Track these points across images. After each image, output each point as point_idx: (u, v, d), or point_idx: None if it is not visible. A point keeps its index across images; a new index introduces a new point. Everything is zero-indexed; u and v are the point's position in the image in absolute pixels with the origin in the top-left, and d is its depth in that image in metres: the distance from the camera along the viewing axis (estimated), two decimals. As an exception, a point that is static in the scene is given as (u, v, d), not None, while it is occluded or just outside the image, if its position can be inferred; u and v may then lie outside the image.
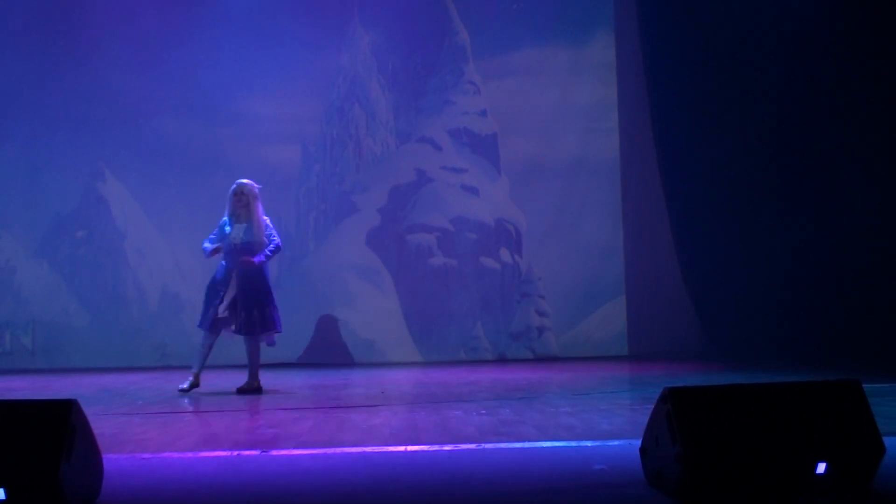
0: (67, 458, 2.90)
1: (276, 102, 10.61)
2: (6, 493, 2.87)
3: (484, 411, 5.52)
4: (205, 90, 10.49)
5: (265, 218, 7.12)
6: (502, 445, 4.23)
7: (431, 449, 4.17)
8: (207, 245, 7.02)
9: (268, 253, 7.04)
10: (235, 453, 4.10)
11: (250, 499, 3.31)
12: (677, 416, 3.09)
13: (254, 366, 7.09)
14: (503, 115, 10.95)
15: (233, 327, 7.04)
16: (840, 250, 9.37)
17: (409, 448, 4.19)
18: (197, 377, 6.97)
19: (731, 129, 10.18)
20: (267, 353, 10.08)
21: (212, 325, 6.94)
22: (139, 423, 5.28)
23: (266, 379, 8.25)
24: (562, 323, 10.73)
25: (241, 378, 7.11)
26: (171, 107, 10.49)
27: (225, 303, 6.95)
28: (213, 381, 7.55)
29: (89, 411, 3.20)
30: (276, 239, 7.12)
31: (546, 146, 10.83)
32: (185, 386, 6.89)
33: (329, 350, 10.46)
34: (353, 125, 10.88)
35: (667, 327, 10.44)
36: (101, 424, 4.87)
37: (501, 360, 10.48)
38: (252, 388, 7.02)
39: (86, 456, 3.06)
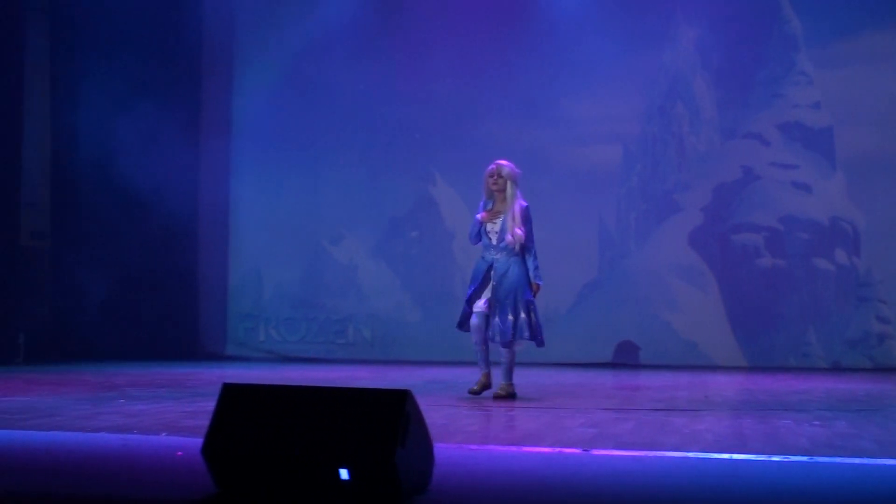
0: (402, 444, 3.09)
1: (598, 103, 10.63)
2: (349, 473, 3.11)
3: (817, 422, 5.21)
4: (528, 93, 10.73)
5: (523, 203, 6.49)
6: (837, 460, 3.98)
7: (759, 459, 4.01)
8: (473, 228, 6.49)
9: (537, 276, 6.44)
10: (557, 450, 4.17)
11: (571, 496, 3.35)
12: None
13: (511, 369, 6.48)
14: (839, 107, 10.23)
15: (489, 332, 6.41)
16: None
17: (735, 456, 4.05)
18: (486, 377, 6.46)
19: None
20: (586, 353, 10.20)
21: (468, 323, 6.40)
22: (466, 415, 5.52)
23: (585, 378, 8.31)
24: (907, 330, 9.86)
25: (562, 376, 7.20)
26: (496, 111, 10.82)
27: (483, 301, 6.40)
28: (534, 378, 7.72)
29: (420, 401, 3.39)
30: (532, 244, 6.43)
31: (889, 138, 9.99)
32: (475, 388, 6.44)
33: (650, 351, 10.33)
34: (676, 123, 10.66)
35: None
36: (432, 415, 5.14)
37: (836, 369, 9.82)
38: (509, 394, 6.44)
39: (419, 443, 3.24)
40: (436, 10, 10.90)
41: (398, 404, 3.16)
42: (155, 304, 10.58)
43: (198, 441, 3.36)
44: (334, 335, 11.13)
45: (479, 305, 6.40)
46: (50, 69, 10.70)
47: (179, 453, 4.03)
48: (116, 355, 10.01)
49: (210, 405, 3.55)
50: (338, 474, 3.11)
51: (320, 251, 11.31)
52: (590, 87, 10.62)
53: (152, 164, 10.11)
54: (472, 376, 6.67)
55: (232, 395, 3.35)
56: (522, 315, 6.34)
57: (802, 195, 10.31)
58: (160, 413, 5.52)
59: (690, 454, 4.10)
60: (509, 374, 6.47)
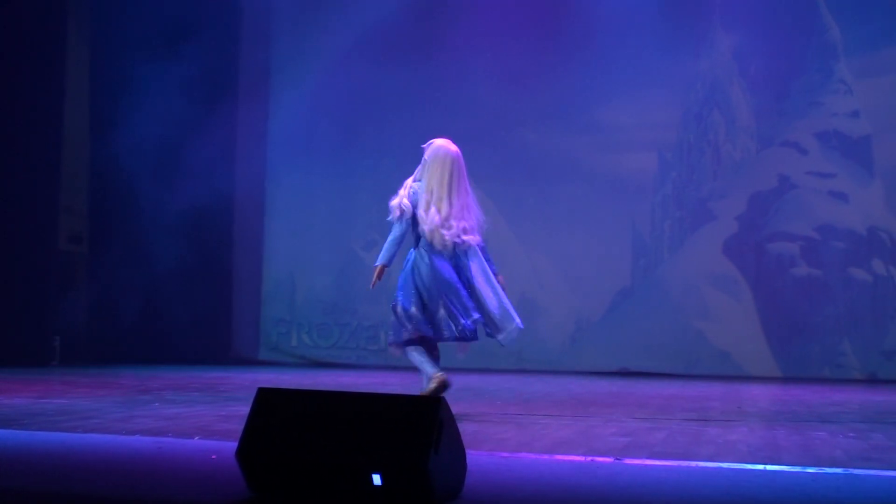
0: (436, 451, 3.10)
1: (633, 110, 10.58)
2: (382, 478, 3.12)
3: (852, 434, 5.15)
4: (563, 100, 10.69)
5: (409, 184, 6.00)
6: (874, 472, 3.92)
7: (793, 470, 3.97)
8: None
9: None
10: (589, 459, 4.15)
11: (604, 505, 3.34)
12: None
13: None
14: (879, 116, 10.13)
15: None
16: None
17: (769, 467, 4.02)
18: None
19: None
20: (618, 362, 10.13)
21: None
22: (497, 422, 5.51)
23: (617, 387, 8.26)
24: (946, 342, 9.73)
25: (594, 384, 7.16)
26: (530, 117, 10.79)
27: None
28: (565, 386, 7.69)
29: (451, 408, 3.39)
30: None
31: (930, 147, 9.89)
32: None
33: (682, 360, 10.25)
34: (712, 130, 10.60)
35: None
36: (463, 421, 5.14)
37: (872, 381, 9.70)
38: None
39: (452, 451, 3.25)
40: (471, 17, 10.88)
41: (433, 411, 3.17)
42: (189, 308, 10.67)
43: (232, 445, 3.38)
44: (366, 341, 11.15)
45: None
46: (90, 74, 10.84)
47: (213, 457, 4.06)
48: (151, 359, 10.11)
49: (243, 409, 3.58)
50: (371, 480, 3.12)
51: (353, 257, 11.35)
52: (625, 93, 10.57)
53: (189, 171, 10.20)
54: (504, 383, 6.62)
55: (267, 399, 3.37)
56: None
57: (839, 204, 10.21)
58: (194, 417, 5.56)
59: (724, 465, 4.07)
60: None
